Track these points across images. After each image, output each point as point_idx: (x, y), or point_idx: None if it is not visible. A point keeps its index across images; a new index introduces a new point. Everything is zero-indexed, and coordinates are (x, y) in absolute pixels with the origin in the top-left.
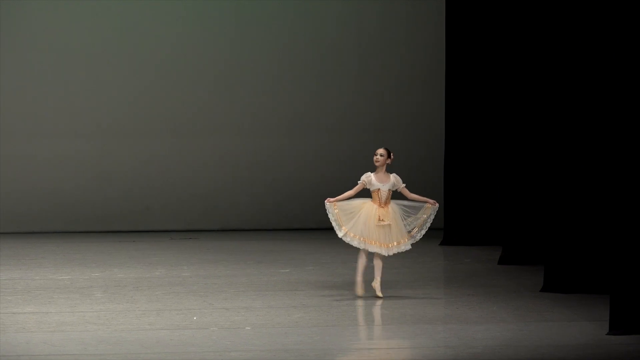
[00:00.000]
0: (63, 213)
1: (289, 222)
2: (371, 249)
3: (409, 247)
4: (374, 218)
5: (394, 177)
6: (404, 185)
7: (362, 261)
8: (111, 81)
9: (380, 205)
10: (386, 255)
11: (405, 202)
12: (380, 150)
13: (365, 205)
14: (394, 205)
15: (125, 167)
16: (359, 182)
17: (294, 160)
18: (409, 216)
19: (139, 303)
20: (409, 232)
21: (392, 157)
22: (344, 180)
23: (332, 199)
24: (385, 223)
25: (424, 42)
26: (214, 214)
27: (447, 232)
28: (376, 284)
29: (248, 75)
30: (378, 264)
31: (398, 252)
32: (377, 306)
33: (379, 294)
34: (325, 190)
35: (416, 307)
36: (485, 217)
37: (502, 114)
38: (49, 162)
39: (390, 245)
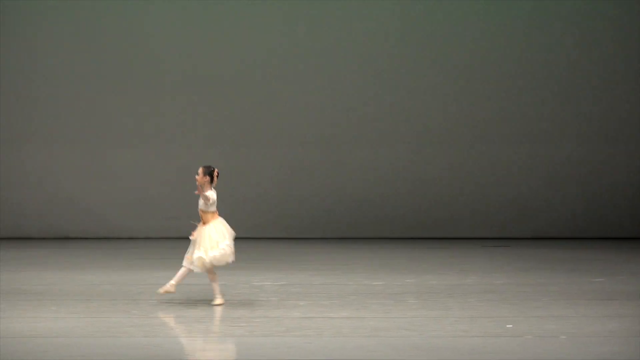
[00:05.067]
0: (373, 219)
1: (601, 229)
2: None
3: (197, 268)
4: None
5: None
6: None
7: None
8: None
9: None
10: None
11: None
12: (198, 169)
13: None
14: (213, 224)
15: (436, 174)
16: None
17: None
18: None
19: (452, 310)
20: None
21: (210, 177)
22: None
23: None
24: (192, 238)
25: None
26: (525, 221)
27: None
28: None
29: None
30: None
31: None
32: None
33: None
34: None
35: None
36: None
37: None
38: (363, 167)
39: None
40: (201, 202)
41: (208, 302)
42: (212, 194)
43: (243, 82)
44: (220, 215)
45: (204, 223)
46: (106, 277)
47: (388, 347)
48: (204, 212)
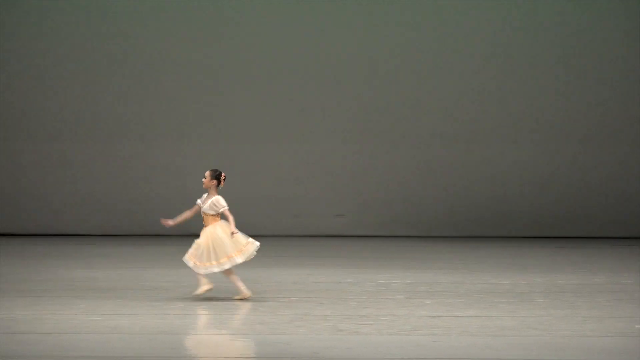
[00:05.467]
0: (500, 217)
1: None
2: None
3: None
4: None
5: (213, 200)
6: (225, 207)
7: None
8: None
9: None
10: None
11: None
12: (205, 173)
13: None
14: (211, 227)
15: (562, 172)
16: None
17: None
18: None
19: (580, 309)
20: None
21: (218, 181)
22: None
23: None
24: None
25: None
26: None
27: None
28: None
29: None
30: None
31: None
32: None
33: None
34: None
35: None
36: None
37: None
38: (489, 165)
39: (201, 263)
40: (207, 205)
41: (335, 299)
42: (221, 199)
43: (376, 80)
44: (344, 214)
45: (205, 225)
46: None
47: (516, 347)
48: (208, 215)
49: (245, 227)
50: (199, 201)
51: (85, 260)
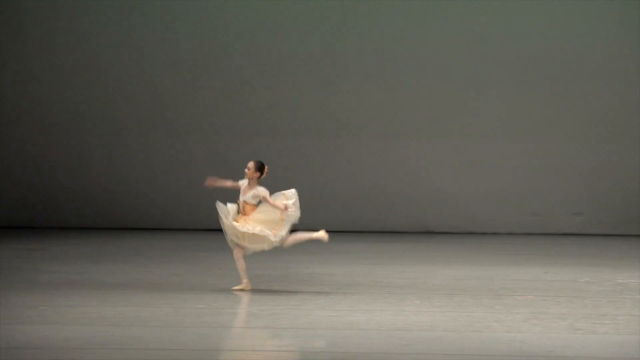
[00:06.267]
0: None
1: None
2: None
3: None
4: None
5: (255, 190)
6: (266, 194)
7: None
8: None
9: (241, 214)
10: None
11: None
12: (249, 164)
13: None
14: (253, 215)
15: None
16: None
17: None
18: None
19: None
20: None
21: (261, 173)
22: None
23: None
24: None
25: None
26: None
27: None
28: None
29: None
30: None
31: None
32: None
33: None
34: None
35: None
36: None
37: None
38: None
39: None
40: (250, 195)
41: (572, 298)
42: (264, 189)
43: (611, 80)
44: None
45: (244, 214)
46: (469, 271)
47: None
48: (248, 204)
49: (480, 224)
50: (241, 182)
51: (322, 255)
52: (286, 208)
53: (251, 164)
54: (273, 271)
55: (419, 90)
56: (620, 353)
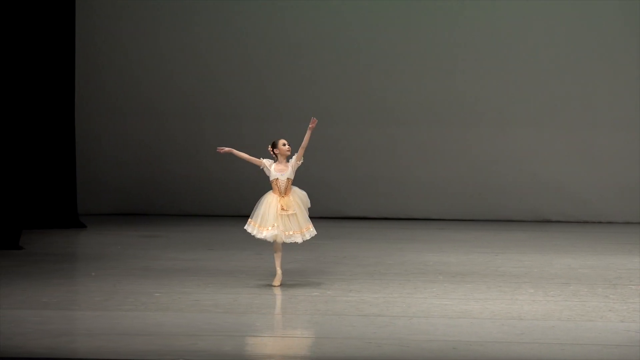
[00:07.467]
0: None
1: None
2: (266, 235)
3: (314, 232)
4: (275, 207)
5: (291, 162)
6: (297, 154)
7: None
8: None
9: (281, 194)
10: (288, 242)
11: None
12: (283, 140)
13: (267, 197)
14: (295, 194)
15: None
16: (261, 158)
17: None
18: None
19: None
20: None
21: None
22: None
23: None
24: (290, 212)
25: None
26: None
27: None
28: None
29: None
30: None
31: (303, 240)
32: None
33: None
34: None
35: None
36: None
37: None
38: None
39: (288, 233)
40: (290, 171)
41: None
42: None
43: None
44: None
45: (285, 194)
46: (584, 261)
47: None
48: (290, 180)
49: (596, 214)
50: (265, 162)
51: (436, 244)
52: (313, 122)
53: (285, 140)
54: (387, 259)
55: (536, 79)
56: None
